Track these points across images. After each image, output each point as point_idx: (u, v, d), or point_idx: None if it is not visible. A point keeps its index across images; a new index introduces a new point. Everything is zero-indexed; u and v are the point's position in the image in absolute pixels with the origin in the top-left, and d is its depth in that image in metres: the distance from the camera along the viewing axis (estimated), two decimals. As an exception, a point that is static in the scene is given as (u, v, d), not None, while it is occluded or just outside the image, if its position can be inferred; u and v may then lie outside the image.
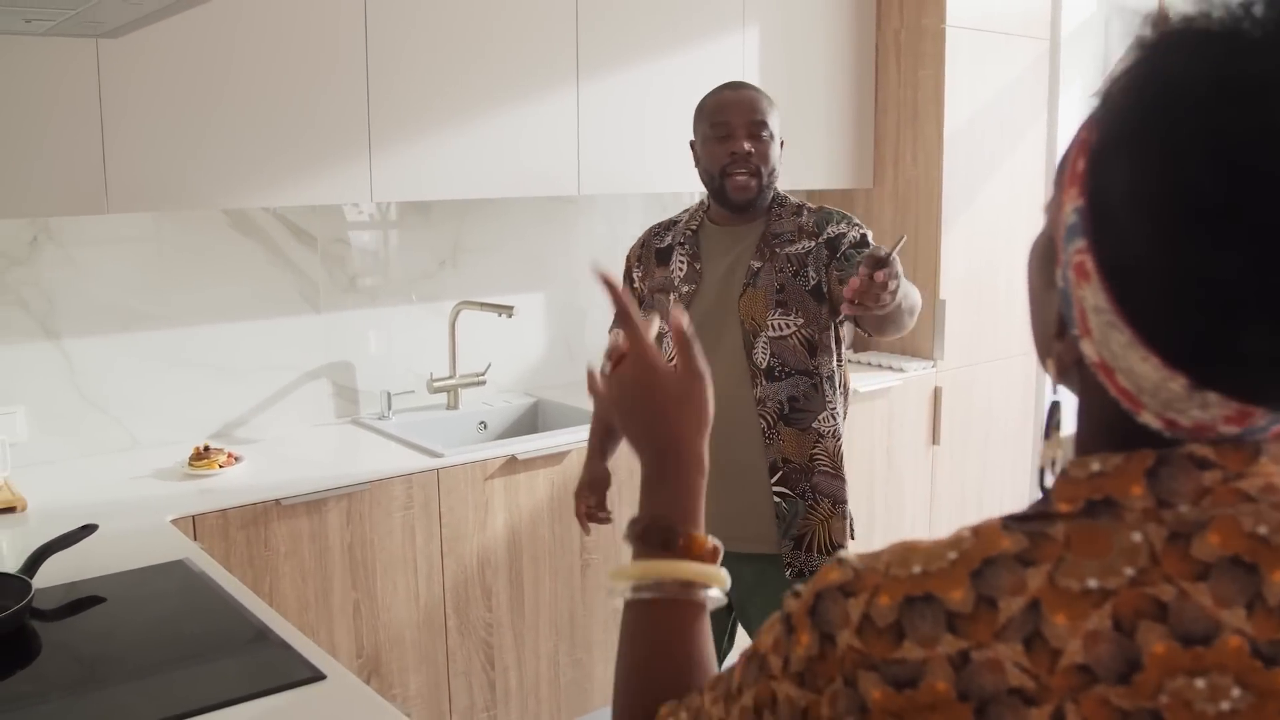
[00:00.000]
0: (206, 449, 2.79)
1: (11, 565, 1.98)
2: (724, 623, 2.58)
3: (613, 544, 3.23)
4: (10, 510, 2.48)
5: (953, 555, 0.68)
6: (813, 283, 2.35)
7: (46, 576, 1.99)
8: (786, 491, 2.36)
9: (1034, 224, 3.60)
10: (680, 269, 2.47)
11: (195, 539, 2.45)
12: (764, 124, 2.39)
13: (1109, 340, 0.66)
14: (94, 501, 2.55)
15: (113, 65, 2.51)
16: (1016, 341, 4.34)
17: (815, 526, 2.37)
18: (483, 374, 3.51)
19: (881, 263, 1.91)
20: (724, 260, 2.43)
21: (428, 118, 3.00)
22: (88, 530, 2.09)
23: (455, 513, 2.91)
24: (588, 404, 3.48)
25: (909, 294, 2.20)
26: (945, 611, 0.65)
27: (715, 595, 0.90)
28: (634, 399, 0.96)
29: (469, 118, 3.08)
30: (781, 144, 2.45)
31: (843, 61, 4.01)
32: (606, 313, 3.91)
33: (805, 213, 2.41)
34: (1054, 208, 0.72)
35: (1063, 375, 0.73)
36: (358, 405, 3.38)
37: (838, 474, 2.39)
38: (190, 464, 2.74)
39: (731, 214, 2.45)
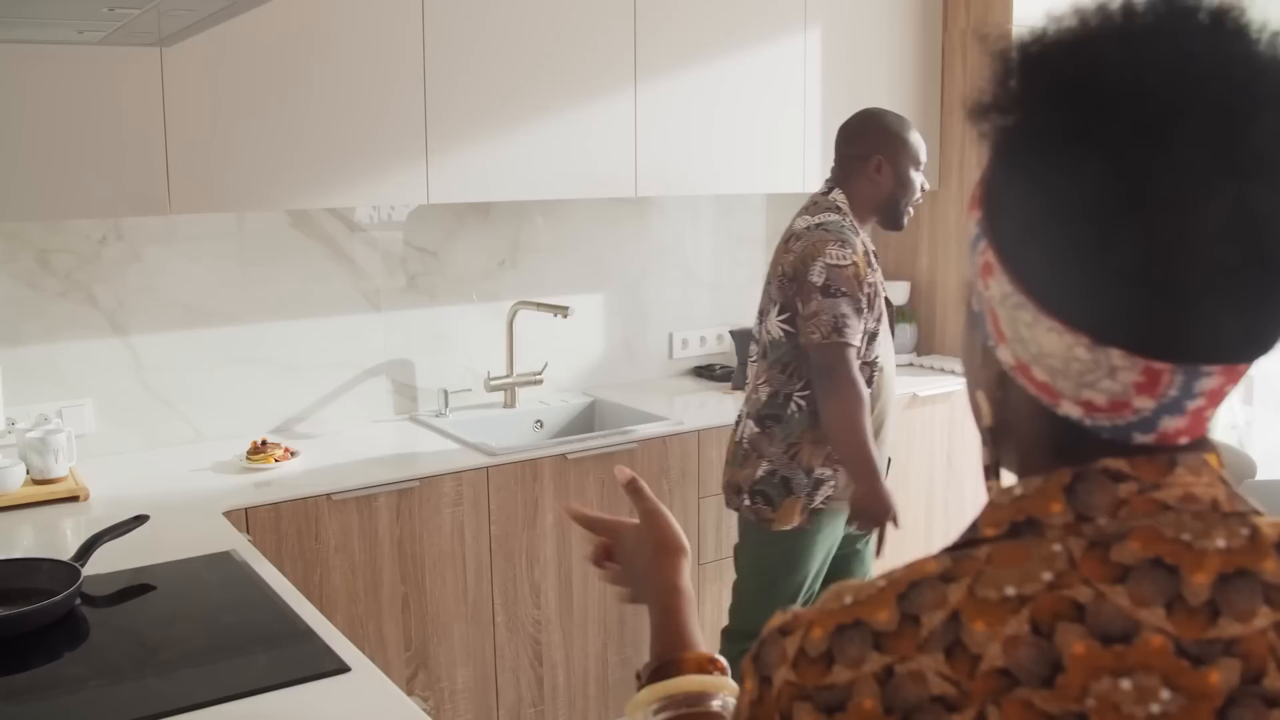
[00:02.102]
0: (264, 443, 2.87)
1: (69, 553, 2.06)
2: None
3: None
4: (74, 499, 2.57)
5: (882, 583, 0.69)
6: None
7: (100, 564, 2.07)
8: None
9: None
10: (878, 271, 2.79)
11: (247, 531, 2.52)
12: None
13: (1018, 328, 0.68)
14: (153, 492, 2.64)
15: (176, 72, 2.59)
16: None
17: (804, 446, 2.73)
18: (540, 373, 3.55)
19: None
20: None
21: (484, 119, 3.04)
22: (139, 521, 2.17)
23: (505, 510, 2.95)
24: (644, 404, 3.51)
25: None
26: (872, 632, 0.67)
27: (726, 703, 0.94)
28: (626, 567, 1.10)
29: (526, 119, 3.12)
30: None
31: (907, 62, 3.97)
32: (667, 313, 3.94)
33: None
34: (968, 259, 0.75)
35: (992, 401, 0.74)
36: (416, 403, 3.44)
37: None
38: (247, 458, 2.82)
39: (868, 223, 2.82)
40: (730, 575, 3.42)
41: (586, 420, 3.62)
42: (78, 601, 1.95)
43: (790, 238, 2.76)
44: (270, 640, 1.83)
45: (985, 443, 0.75)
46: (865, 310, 2.66)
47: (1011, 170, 0.69)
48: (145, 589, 2.07)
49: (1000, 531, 0.68)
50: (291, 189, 2.80)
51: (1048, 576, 0.64)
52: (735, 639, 2.87)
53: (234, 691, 1.62)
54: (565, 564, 3.08)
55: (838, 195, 2.77)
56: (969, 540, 0.70)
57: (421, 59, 2.93)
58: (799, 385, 2.72)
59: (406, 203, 3.23)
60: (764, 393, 2.78)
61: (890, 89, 3.94)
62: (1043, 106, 0.67)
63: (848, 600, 0.70)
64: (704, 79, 3.44)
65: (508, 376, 3.50)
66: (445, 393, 3.39)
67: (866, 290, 2.67)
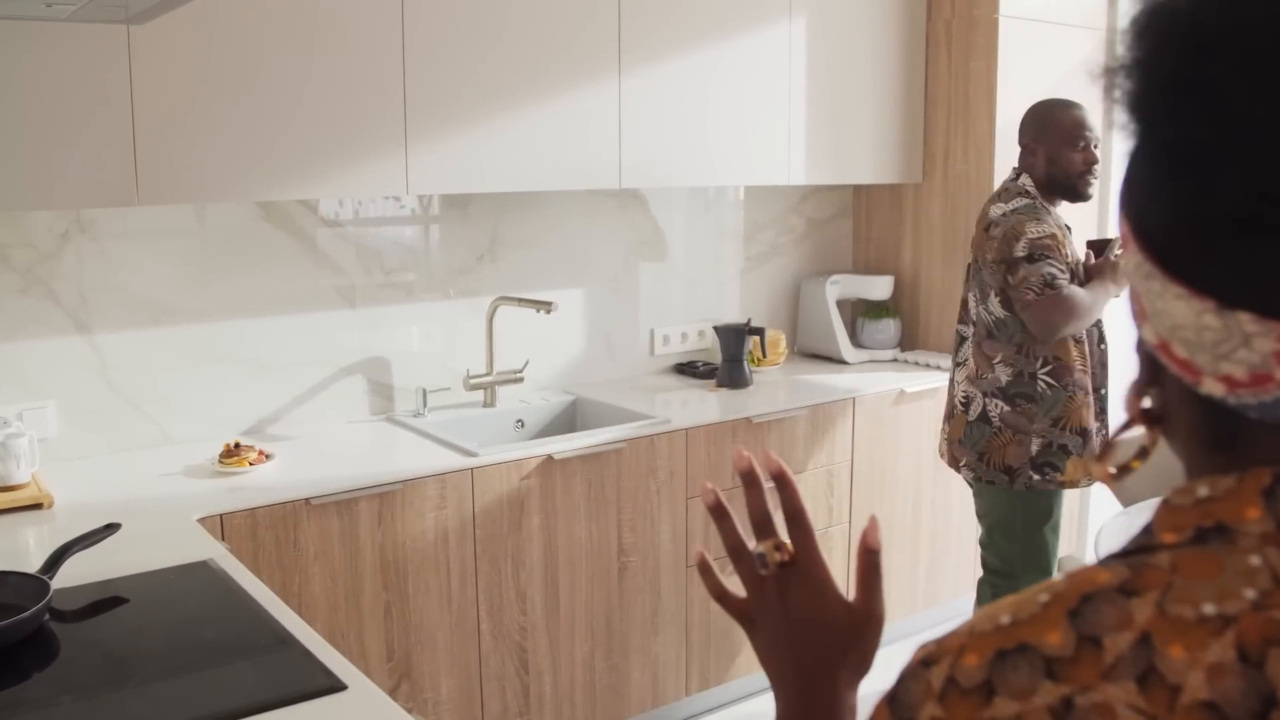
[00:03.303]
0: (237, 446, 2.74)
1: (34, 564, 1.93)
2: None
3: (651, 544, 3.15)
4: (37, 507, 2.44)
5: (1044, 598, 0.61)
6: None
7: (68, 576, 1.95)
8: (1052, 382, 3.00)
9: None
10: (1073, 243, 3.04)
11: (223, 539, 2.40)
12: (1098, 140, 3.04)
13: (1152, 300, 0.63)
14: (121, 499, 2.51)
15: (144, 54, 2.46)
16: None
17: (1070, 413, 2.99)
18: (520, 371, 3.44)
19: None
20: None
21: (466, 109, 2.94)
22: (110, 529, 2.05)
23: (489, 513, 2.84)
24: (626, 402, 3.41)
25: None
26: (1043, 658, 0.58)
27: None
28: (793, 628, 0.82)
29: (509, 109, 3.01)
30: None
31: (891, 53, 3.90)
32: (648, 308, 3.84)
33: None
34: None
35: (1150, 388, 0.69)
36: (393, 402, 3.33)
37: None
38: (220, 461, 2.69)
39: (1052, 207, 3.04)
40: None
41: (568, 419, 3.51)
42: (46, 617, 1.82)
43: (989, 225, 3.01)
44: (257, 656, 1.72)
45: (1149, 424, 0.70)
46: (1070, 276, 2.95)
47: (1132, 132, 0.66)
48: (118, 602, 1.94)
49: (1183, 538, 0.60)
50: (266, 180, 2.67)
51: (1251, 594, 0.56)
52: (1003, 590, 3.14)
53: (221, 712, 1.51)
54: (551, 568, 2.97)
55: (1025, 180, 3.05)
56: (1143, 546, 0.62)
57: (401, 47, 2.81)
58: (1040, 365, 3.00)
59: (385, 195, 3.11)
60: (1005, 373, 3.03)
61: (876, 80, 3.87)
62: (1153, 58, 0.64)
63: (1005, 621, 0.61)
64: (689, 69, 3.35)
65: (487, 375, 3.39)
66: (423, 392, 3.27)
67: (1070, 261, 2.96)
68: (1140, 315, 0.66)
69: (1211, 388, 0.62)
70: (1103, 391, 3.06)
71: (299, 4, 2.66)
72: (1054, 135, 3.03)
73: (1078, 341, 2.99)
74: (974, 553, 3.51)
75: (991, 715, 0.58)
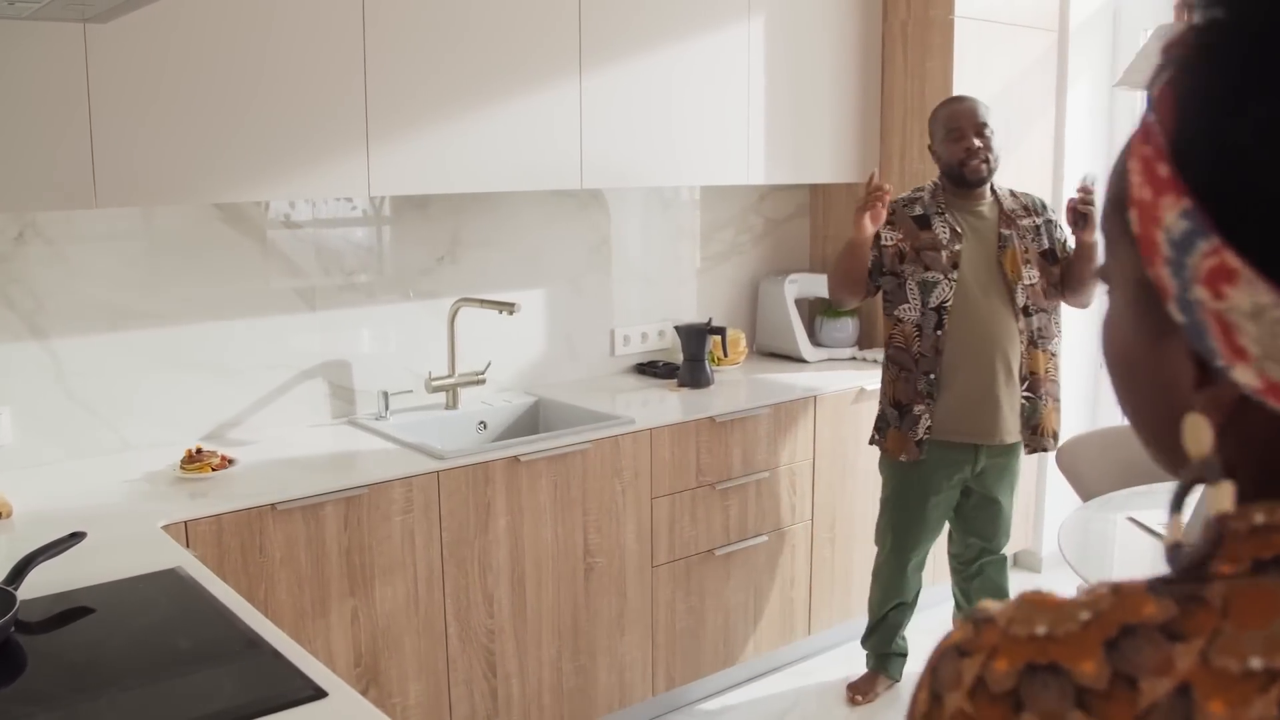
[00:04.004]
0: (199, 451, 2.70)
1: (-4, 575, 1.89)
2: (951, 506, 3.45)
3: (616, 545, 3.15)
4: (-5, 516, 2.39)
5: (1085, 616, 0.58)
6: (1045, 247, 3.28)
7: (33, 587, 1.90)
8: (1031, 395, 3.27)
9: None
10: (944, 232, 3.23)
11: (187, 546, 2.36)
12: (986, 124, 3.22)
13: (1278, 343, 0.55)
14: (82, 507, 2.46)
15: (101, 53, 2.42)
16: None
17: (1044, 419, 3.30)
18: (482, 373, 3.42)
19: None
20: (979, 228, 3.26)
21: (428, 110, 2.92)
22: (76, 538, 2.01)
23: (455, 516, 2.82)
24: (589, 403, 3.41)
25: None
26: (1074, 685, 0.56)
27: None
28: None
29: (471, 110, 2.99)
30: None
31: (849, 53, 3.93)
32: (608, 309, 3.84)
33: (1020, 200, 3.33)
34: (1126, 250, 0.62)
35: (1215, 428, 0.60)
36: (354, 405, 3.30)
37: (1056, 381, 3.34)
38: (182, 467, 2.65)
39: (967, 194, 3.26)
40: (690, 577, 3.35)
41: (531, 421, 3.50)
42: (12, 629, 1.78)
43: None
44: (233, 664, 1.69)
45: (1189, 474, 0.61)
46: (881, 264, 3.29)
47: (1247, 136, 0.54)
48: (85, 612, 1.90)
49: (1240, 569, 0.57)
50: (226, 181, 2.64)
51: None
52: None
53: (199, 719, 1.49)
54: (518, 570, 2.96)
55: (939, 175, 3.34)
56: (1196, 575, 0.58)
57: (362, 47, 2.79)
58: (886, 340, 3.37)
59: (346, 196, 3.08)
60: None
61: (833, 80, 3.89)
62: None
63: (1039, 631, 0.59)
64: (650, 70, 3.35)
65: (449, 377, 3.37)
66: (385, 394, 3.25)
67: (884, 244, 3.27)
68: (1234, 355, 0.57)
69: None
70: (932, 375, 3.22)
71: (259, 4, 2.62)
72: (936, 131, 3.28)
73: (903, 322, 3.25)
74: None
75: None
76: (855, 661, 3.68)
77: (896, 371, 3.30)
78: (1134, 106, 4.40)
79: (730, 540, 3.42)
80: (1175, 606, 0.56)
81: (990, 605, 0.63)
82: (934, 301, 3.21)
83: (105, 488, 2.61)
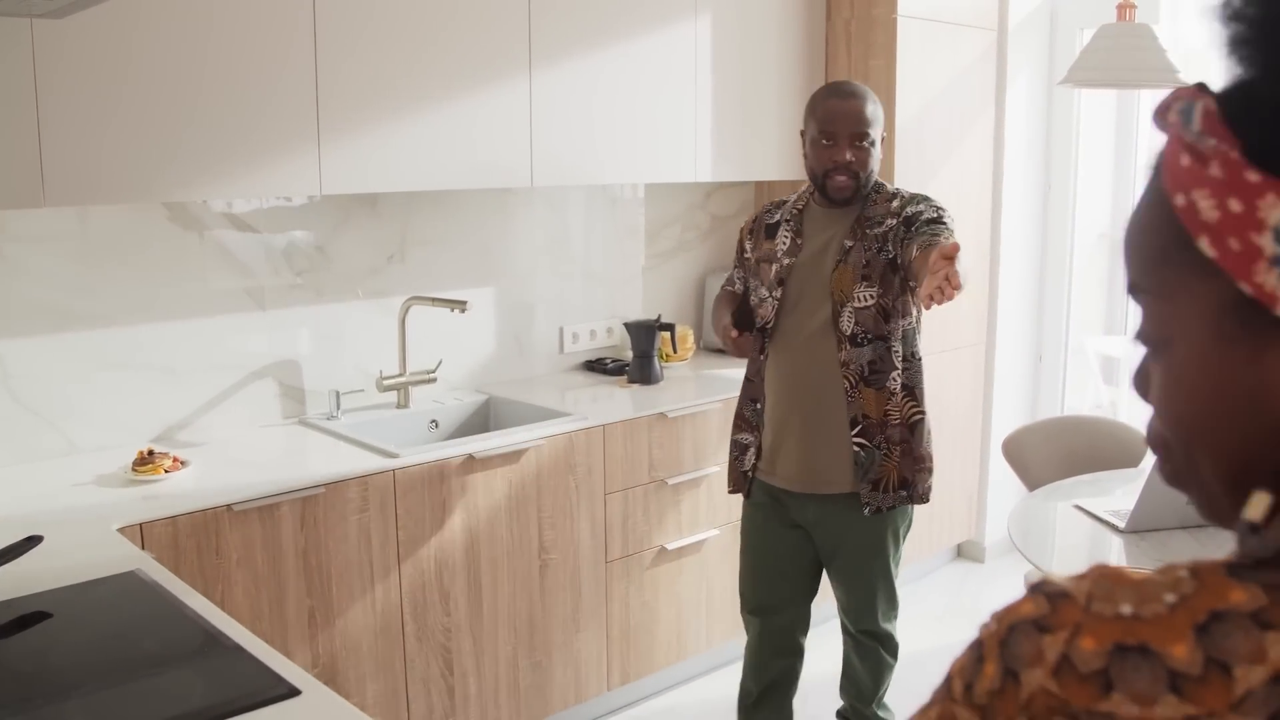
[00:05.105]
0: (151, 453, 2.67)
1: (-51, 580, 1.86)
2: (808, 558, 2.86)
3: (570, 541, 3.16)
4: (-57, 521, 2.34)
5: (1170, 599, 0.59)
6: (890, 255, 2.64)
7: (-13, 592, 1.88)
8: (864, 442, 2.67)
9: (982, 214, 3.55)
10: (784, 243, 2.77)
11: (143, 548, 2.33)
12: (865, 134, 2.67)
13: None
14: (33, 511, 2.42)
15: (49, 49, 2.38)
16: (966, 332, 4.35)
17: (889, 471, 2.69)
18: (433, 371, 3.41)
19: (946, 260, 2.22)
20: (822, 238, 2.73)
21: (379, 108, 2.90)
22: (32, 542, 1.98)
23: (412, 515, 2.82)
24: (539, 400, 3.42)
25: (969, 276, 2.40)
26: (1166, 669, 0.57)
27: None
28: None
29: (421, 108, 2.99)
30: (882, 140, 2.75)
31: (794, 51, 3.97)
32: (557, 306, 3.85)
33: (898, 199, 2.69)
34: (1197, 286, 0.61)
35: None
36: (305, 405, 3.27)
37: (902, 422, 2.69)
38: (134, 469, 2.62)
39: (828, 201, 2.74)
40: (644, 573, 3.37)
41: (482, 419, 3.50)
42: (-30, 635, 1.76)
43: None
44: (201, 664, 1.68)
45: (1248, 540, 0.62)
46: (737, 270, 2.96)
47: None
48: (42, 616, 1.88)
49: None
50: (176, 180, 2.61)
51: None
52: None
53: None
54: (474, 567, 2.96)
55: None
56: (1277, 560, 0.59)
57: (313, 45, 2.77)
58: None
59: (296, 194, 3.06)
60: None
61: (778, 78, 3.93)
62: None
63: (1125, 610, 0.59)
64: (598, 68, 3.37)
65: (401, 375, 3.36)
66: (336, 394, 3.23)
67: (746, 258, 2.91)
68: None
69: None
70: (758, 405, 2.82)
71: (210, 1, 2.60)
72: (809, 125, 2.74)
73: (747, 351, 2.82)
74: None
75: (1111, 710, 0.58)
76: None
77: (741, 391, 2.91)
78: (1070, 105, 4.50)
79: (683, 535, 3.45)
80: (1264, 595, 0.57)
81: (1059, 578, 0.64)
82: (760, 321, 2.79)
83: (55, 491, 2.57)
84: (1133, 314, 3.86)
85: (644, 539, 3.36)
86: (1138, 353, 0.67)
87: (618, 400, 3.49)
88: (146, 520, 2.38)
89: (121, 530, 2.31)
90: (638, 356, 3.70)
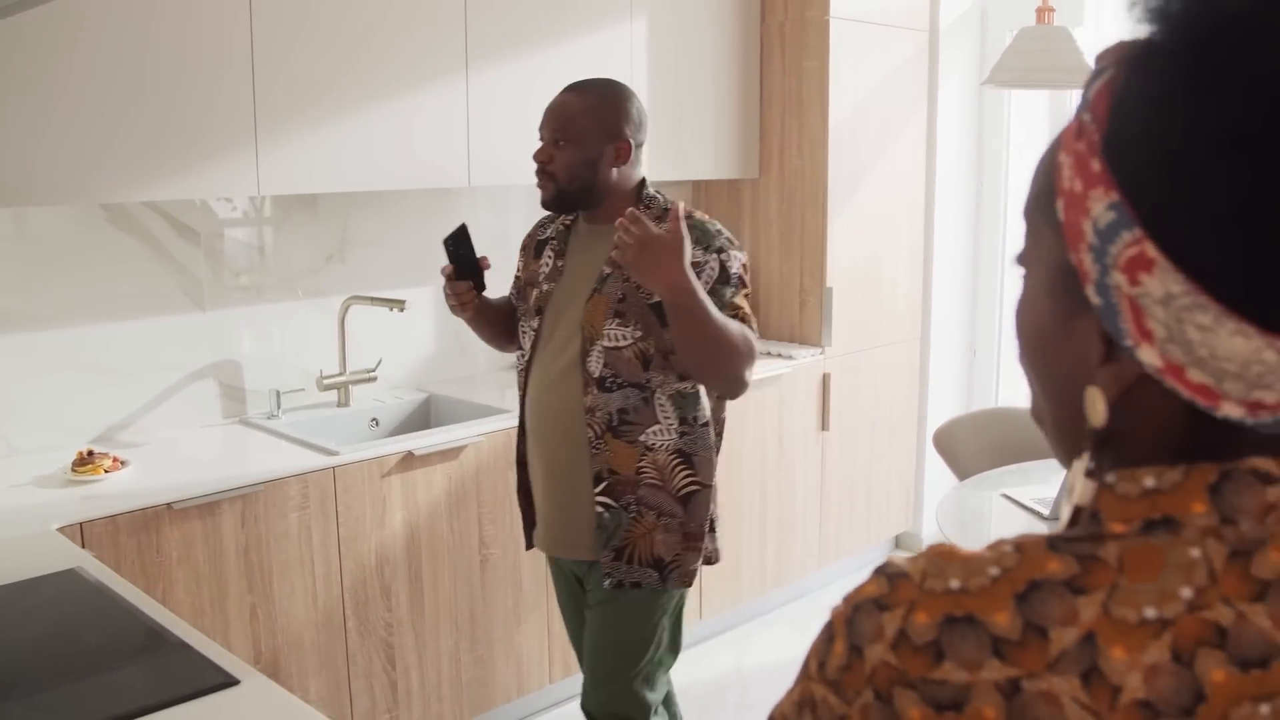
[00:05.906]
0: (90, 454, 2.68)
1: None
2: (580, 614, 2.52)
3: (510, 536, 3.20)
4: (-120, 523, 2.35)
5: (994, 571, 0.64)
6: (654, 300, 2.20)
7: (-73, 591, 1.90)
8: (610, 502, 2.27)
9: (916, 212, 3.65)
10: (546, 265, 2.41)
11: (84, 547, 2.35)
12: (562, 132, 2.33)
13: (1184, 330, 0.60)
14: (-29, 511, 2.43)
15: (-18, 53, 2.39)
16: (901, 328, 4.44)
17: (638, 539, 2.28)
18: (373, 370, 3.45)
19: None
20: (583, 261, 2.35)
21: (317, 109, 2.93)
22: (-29, 541, 2.00)
23: (352, 511, 2.85)
24: (479, 398, 3.46)
25: (728, 332, 2.16)
26: (990, 635, 0.62)
27: None
28: None
29: (359, 108, 3.02)
30: (622, 148, 2.38)
31: (729, 53, 4.04)
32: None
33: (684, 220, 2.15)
34: (1049, 237, 0.67)
35: (1112, 402, 0.66)
36: (245, 405, 3.29)
37: (665, 487, 2.28)
38: (74, 470, 2.63)
39: (591, 214, 2.37)
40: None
41: (423, 416, 3.53)
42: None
43: None
44: (143, 658, 1.72)
45: (1089, 444, 0.67)
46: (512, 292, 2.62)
47: (1178, 140, 0.59)
48: (-18, 614, 1.90)
49: (1131, 529, 0.63)
50: (114, 181, 2.62)
51: (1187, 594, 0.60)
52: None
53: (116, 716, 1.51)
54: (415, 563, 3.00)
55: None
56: (1092, 534, 0.64)
57: (250, 46, 2.79)
58: None
59: (236, 195, 3.07)
60: None
61: (714, 79, 3.99)
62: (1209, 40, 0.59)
63: (954, 585, 0.64)
64: (535, 68, 3.41)
65: (341, 375, 3.38)
66: (277, 393, 3.25)
67: (517, 276, 2.59)
68: (1141, 336, 0.62)
69: (1231, 411, 0.62)
70: (522, 447, 2.52)
71: (147, 2, 2.61)
72: None
73: None
74: (818, 533, 3.67)
75: (943, 677, 0.62)
76: (748, 643, 3.79)
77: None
78: (1001, 104, 4.61)
79: (623, 529, 3.50)
80: (1076, 564, 0.63)
81: (898, 559, 0.69)
82: (520, 357, 2.45)
83: (-7, 492, 2.58)
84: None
85: (584, 533, 3.40)
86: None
87: (558, 397, 3.53)
88: (86, 519, 2.40)
89: (61, 530, 2.33)
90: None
